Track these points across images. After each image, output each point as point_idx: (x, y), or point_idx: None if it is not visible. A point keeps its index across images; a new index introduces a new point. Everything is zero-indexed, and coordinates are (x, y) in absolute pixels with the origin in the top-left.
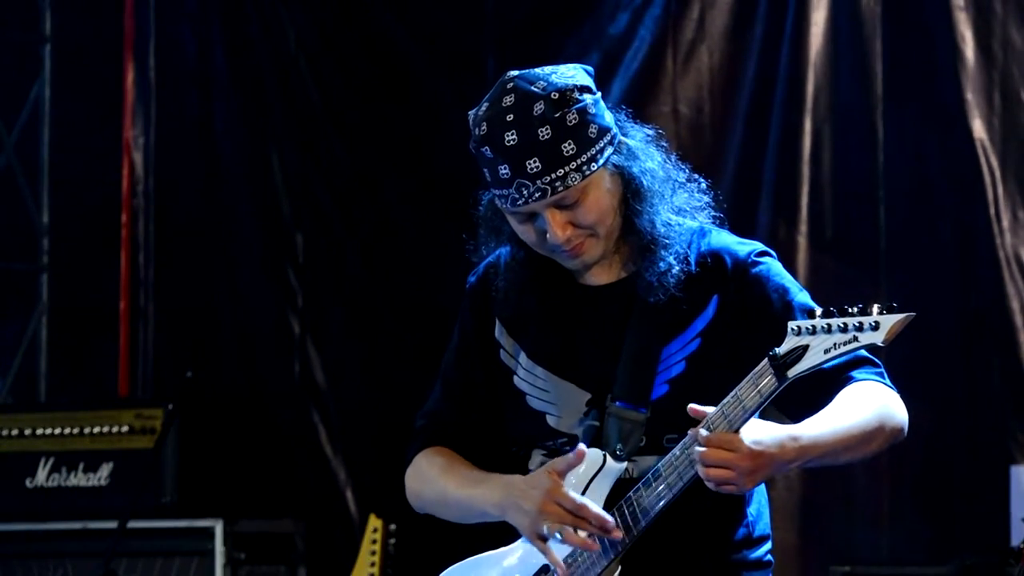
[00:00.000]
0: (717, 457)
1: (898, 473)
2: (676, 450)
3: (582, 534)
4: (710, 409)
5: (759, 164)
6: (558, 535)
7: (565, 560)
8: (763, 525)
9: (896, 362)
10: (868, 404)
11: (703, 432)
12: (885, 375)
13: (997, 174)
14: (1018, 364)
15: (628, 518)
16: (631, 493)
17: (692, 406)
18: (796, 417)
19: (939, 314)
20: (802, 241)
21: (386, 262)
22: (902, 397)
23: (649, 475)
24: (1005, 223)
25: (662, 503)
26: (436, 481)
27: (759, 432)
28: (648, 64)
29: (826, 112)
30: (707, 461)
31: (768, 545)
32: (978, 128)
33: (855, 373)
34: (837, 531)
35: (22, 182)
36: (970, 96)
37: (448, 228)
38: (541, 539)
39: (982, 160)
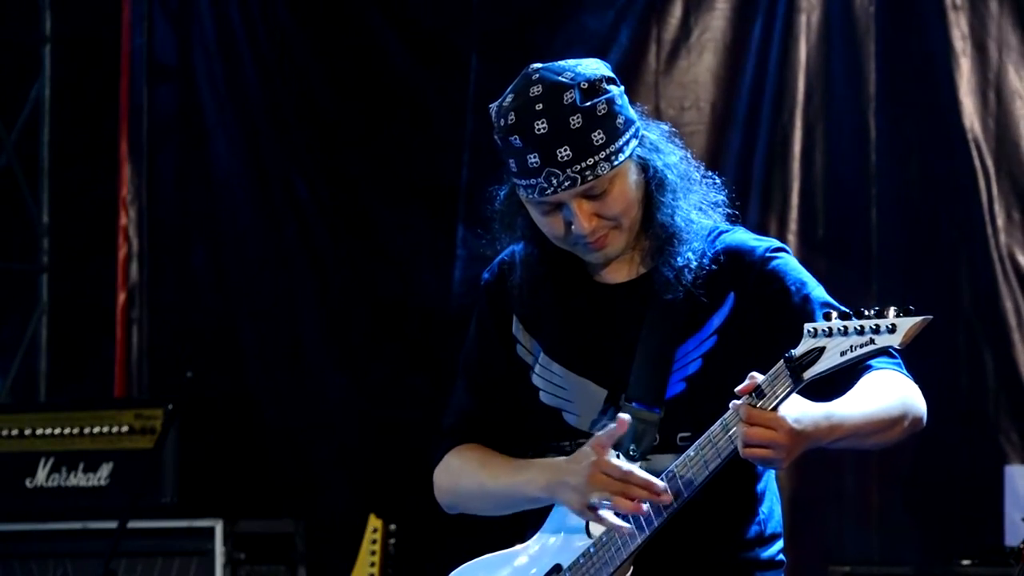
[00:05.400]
0: (760, 436)
1: (891, 473)
2: (716, 426)
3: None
4: (760, 377)
5: (749, 163)
6: (607, 502)
7: (577, 560)
8: (775, 523)
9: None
10: (893, 391)
11: (744, 409)
12: (903, 365)
13: (992, 174)
14: (1012, 363)
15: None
16: (670, 468)
17: (740, 387)
18: (812, 399)
19: (932, 313)
20: (793, 240)
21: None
22: None
23: (688, 452)
24: (1000, 223)
25: (700, 480)
26: (475, 474)
27: (797, 410)
28: (631, 62)
29: (818, 111)
30: (750, 440)
31: (780, 544)
32: (972, 127)
33: (874, 362)
34: (828, 531)
35: (22, 182)
36: (964, 95)
37: (429, 228)
38: (592, 510)
39: (976, 160)
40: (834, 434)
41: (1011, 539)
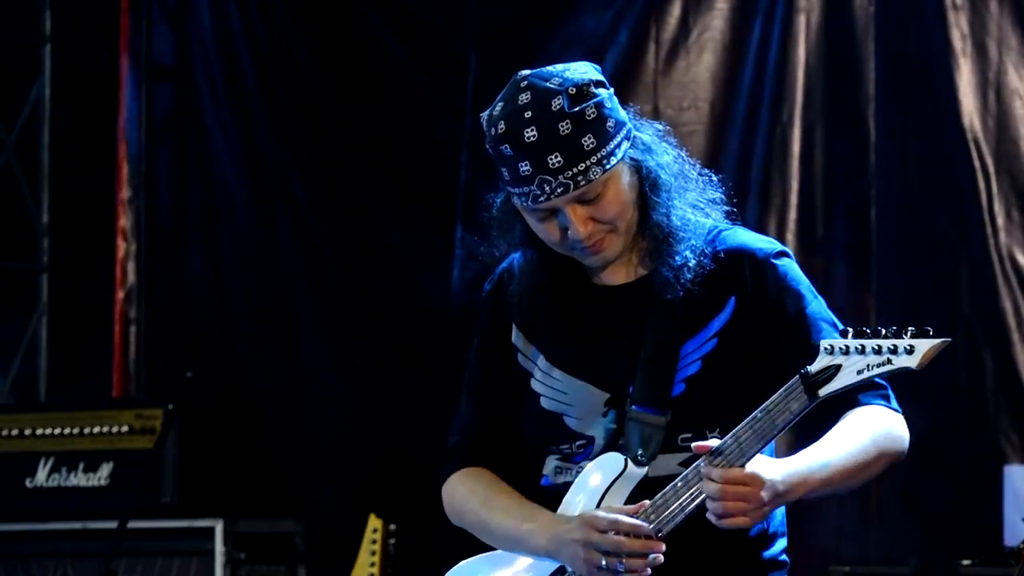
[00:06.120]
0: (735, 492)
1: (890, 472)
2: (689, 472)
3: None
4: (714, 442)
5: (748, 163)
6: (620, 566)
7: None
8: (778, 523)
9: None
10: (868, 433)
11: (717, 471)
12: (891, 398)
13: (991, 173)
14: (1011, 363)
15: (657, 519)
16: (662, 495)
17: (696, 444)
18: (800, 431)
19: (931, 314)
20: (792, 240)
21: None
22: (896, 397)
23: (678, 480)
24: (999, 222)
25: (683, 515)
26: (477, 511)
27: (771, 470)
28: (630, 62)
29: (817, 111)
30: (726, 496)
31: (783, 543)
32: (972, 127)
33: (862, 396)
34: (828, 530)
35: (22, 182)
36: (964, 95)
37: (427, 228)
38: (601, 571)
39: (976, 159)
40: (810, 493)
41: (1011, 539)
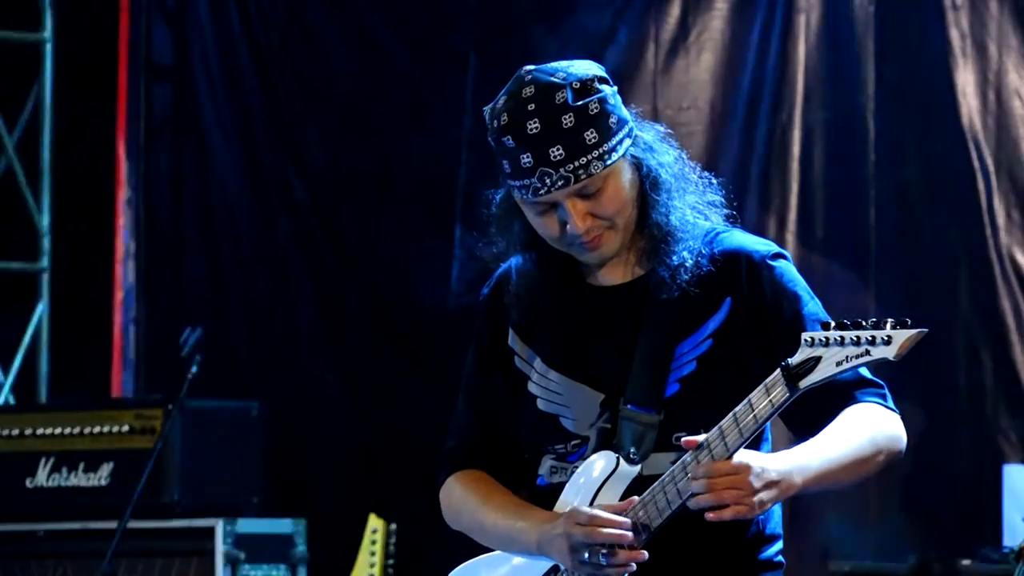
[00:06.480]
0: (722, 482)
1: (889, 471)
2: (675, 467)
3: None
4: (702, 437)
5: (748, 163)
6: (603, 559)
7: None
8: (774, 524)
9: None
10: (865, 429)
11: (703, 465)
12: (888, 397)
13: (991, 173)
14: (1010, 363)
15: (646, 516)
16: (650, 492)
17: (685, 439)
18: (797, 430)
19: (930, 313)
20: (792, 240)
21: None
22: (893, 397)
23: (664, 475)
24: (999, 222)
25: (672, 510)
26: (473, 512)
27: (761, 459)
28: (629, 62)
29: (817, 111)
30: (714, 487)
31: (779, 545)
32: (972, 127)
33: (858, 393)
34: (827, 530)
35: (22, 182)
36: (964, 95)
37: (427, 228)
38: (582, 564)
39: (976, 160)
40: (807, 487)
41: (1010, 539)
